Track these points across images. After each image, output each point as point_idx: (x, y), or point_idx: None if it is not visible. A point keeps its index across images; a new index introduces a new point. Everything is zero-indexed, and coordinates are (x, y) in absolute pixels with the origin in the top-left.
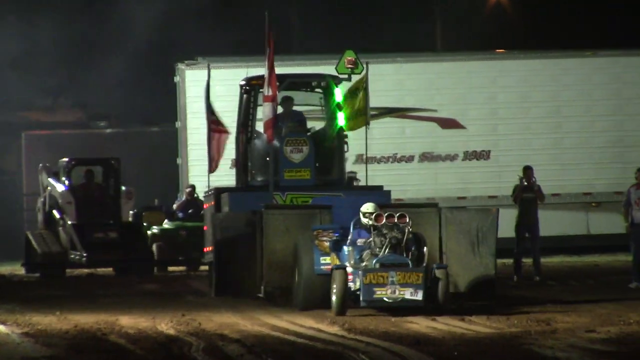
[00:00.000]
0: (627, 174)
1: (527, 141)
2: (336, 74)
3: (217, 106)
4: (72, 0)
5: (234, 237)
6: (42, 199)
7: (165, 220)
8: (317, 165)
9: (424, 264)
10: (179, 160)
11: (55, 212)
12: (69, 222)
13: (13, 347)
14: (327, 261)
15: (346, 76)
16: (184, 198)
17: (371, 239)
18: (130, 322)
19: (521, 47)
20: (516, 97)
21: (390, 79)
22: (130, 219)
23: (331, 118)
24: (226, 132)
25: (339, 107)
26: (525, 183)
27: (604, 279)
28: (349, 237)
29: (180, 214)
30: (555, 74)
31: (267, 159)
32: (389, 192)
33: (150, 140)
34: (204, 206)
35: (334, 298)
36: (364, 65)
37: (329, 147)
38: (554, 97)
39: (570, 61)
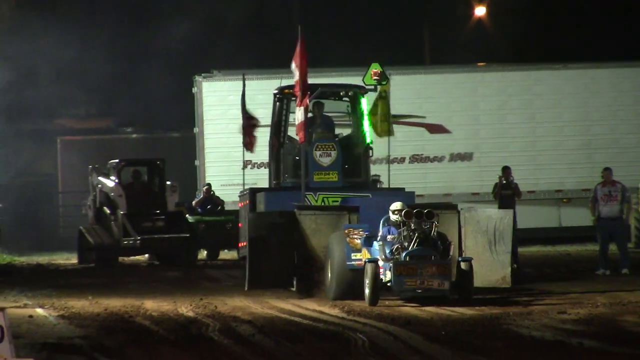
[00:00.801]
0: (594, 174)
1: (506, 144)
2: (362, 84)
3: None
4: (105, 16)
5: (266, 234)
6: (91, 197)
7: (187, 215)
8: (344, 168)
9: (450, 257)
10: (196, 162)
11: (105, 207)
12: (121, 213)
13: (50, 327)
14: (357, 257)
15: (373, 87)
16: (202, 195)
17: (400, 234)
18: (154, 305)
19: (499, 60)
20: (495, 105)
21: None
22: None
23: (357, 125)
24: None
25: (364, 115)
26: (504, 181)
27: (575, 267)
28: (379, 234)
29: (199, 209)
30: (530, 84)
31: (297, 158)
32: (412, 192)
33: (172, 144)
34: (239, 204)
35: (367, 290)
36: (389, 77)
37: (355, 151)
38: (528, 105)
39: (543, 73)
